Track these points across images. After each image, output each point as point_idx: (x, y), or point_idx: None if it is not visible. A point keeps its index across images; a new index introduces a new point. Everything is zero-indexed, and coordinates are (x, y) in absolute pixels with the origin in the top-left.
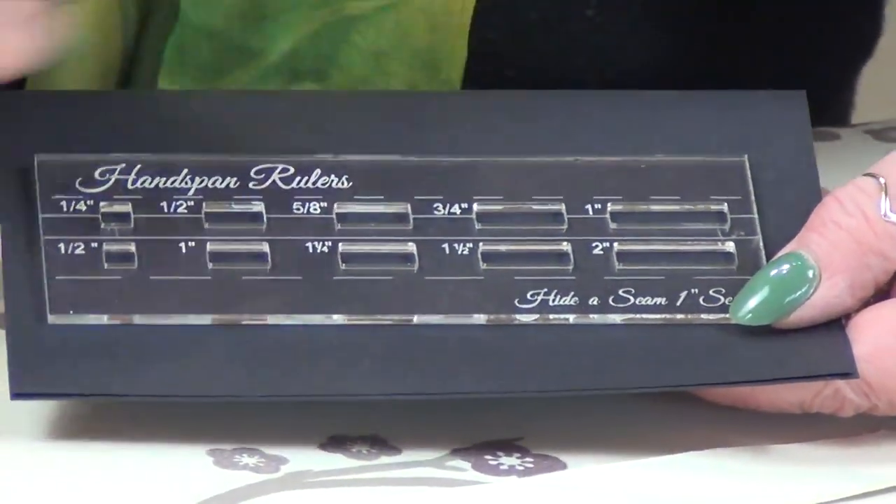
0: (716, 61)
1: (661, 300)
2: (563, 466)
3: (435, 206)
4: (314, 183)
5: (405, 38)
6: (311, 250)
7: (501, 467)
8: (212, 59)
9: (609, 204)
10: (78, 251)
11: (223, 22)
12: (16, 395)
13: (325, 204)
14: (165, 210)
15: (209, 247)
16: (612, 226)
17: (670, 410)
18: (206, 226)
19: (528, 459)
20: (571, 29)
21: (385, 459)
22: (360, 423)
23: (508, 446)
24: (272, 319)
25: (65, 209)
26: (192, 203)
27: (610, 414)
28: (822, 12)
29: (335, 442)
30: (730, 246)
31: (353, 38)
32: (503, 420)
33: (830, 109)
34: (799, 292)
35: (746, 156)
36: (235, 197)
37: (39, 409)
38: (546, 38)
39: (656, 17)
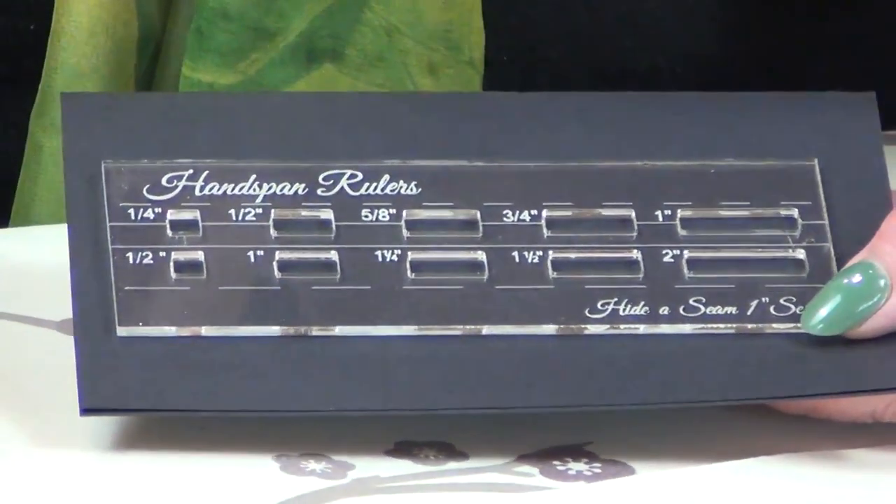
0: (779, 57)
1: (731, 309)
2: (632, 472)
3: (504, 212)
4: (383, 189)
5: (418, 15)
6: (380, 259)
7: (569, 472)
8: (230, 41)
9: (679, 210)
10: (146, 261)
11: (238, 2)
12: (85, 410)
13: (394, 211)
14: (234, 218)
15: (278, 255)
16: (682, 233)
17: (740, 415)
18: (274, 234)
19: (596, 465)
20: (621, 9)
21: (452, 465)
22: (427, 429)
23: (576, 451)
24: (340, 331)
25: (132, 217)
26: (260, 210)
27: (678, 418)
28: (890, 12)
29: (402, 448)
30: (800, 253)
31: (366, 16)
32: (571, 425)
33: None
34: (871, 302)
35: (816, 159)
36: (304, 204)
37: (105, 418)
38: (593, 18)
39: (719, 3)
